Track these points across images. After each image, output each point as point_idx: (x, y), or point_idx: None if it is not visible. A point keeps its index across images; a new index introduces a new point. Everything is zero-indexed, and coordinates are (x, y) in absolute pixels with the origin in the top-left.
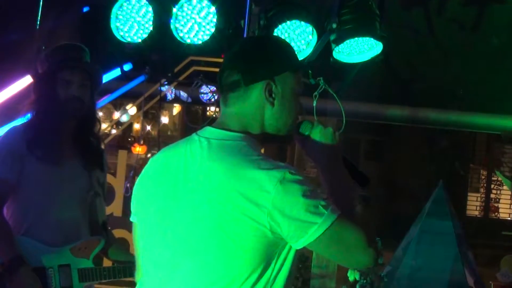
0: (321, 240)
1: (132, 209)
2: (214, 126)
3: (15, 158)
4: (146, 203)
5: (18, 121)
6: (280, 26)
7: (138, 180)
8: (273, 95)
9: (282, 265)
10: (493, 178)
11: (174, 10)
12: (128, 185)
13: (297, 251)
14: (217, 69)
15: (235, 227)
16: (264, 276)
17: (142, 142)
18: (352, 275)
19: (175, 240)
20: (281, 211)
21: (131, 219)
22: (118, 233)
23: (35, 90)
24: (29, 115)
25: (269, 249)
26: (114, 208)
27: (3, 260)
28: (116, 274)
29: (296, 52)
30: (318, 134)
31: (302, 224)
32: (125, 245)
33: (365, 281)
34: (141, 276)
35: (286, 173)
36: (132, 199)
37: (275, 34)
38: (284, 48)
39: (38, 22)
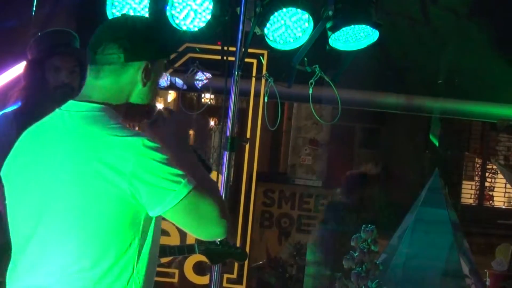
0: (177, 208)
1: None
2: (76, 99)
3: (5, 145)
4: (15, 180)
5: (10, 108)
6: (276, 13)
7: (7, 159)
8: (148, 76)
9: (147, 234)
10: (487, 167)
11: None
12: None
13: (157, 221)
14: (213, 56)
15: (98, 196)
16: (132, 243)
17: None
18: (347, 263)
19: (47, 214)
20: (140, 177)
21: None
22: None
23: (25, 77)
24: (19, 102)
25: (134, 217)
26: None
27: None
28: None
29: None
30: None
31: (160, 191)
32: None
33: (360, 268)
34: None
35: (144, 140)
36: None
37: (270, 21)
38: (164, 36)
39: (34, 9)
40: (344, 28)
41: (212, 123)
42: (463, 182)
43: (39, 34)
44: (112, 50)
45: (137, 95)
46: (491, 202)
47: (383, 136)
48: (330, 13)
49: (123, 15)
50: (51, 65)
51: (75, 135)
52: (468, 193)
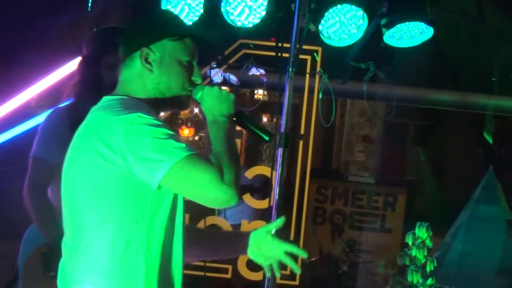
0: (169, 177)
1: None
2: (107, 95)
3: (58, 140)
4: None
5: (63, 103)
6: (330, 10)
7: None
8: (151, 62)
9: (157, 209)
10: None
11: None
12: None
13: (177, 200)
14: (267, 53)
15: (98, 172)
16: (140, 219)
17: (190, 124)
18: (401, 260)
19: (67, 194)
20: (131, 152)
21: None
22: None
23: (80, 73)
24: (72, 98)
25: (136, 191)
26: None
27: (48, 240)
28: None
29: (180, 21)
30: (205, 94)
31: (149, 163)
32: None
33: (414, 266)
34: None
35: (135, 117)
36: None
37: (325, 18)
38: (162, 18)
39: (90, 4)
40: (398, 25)
41: (264, 119)
42: None
43: (95, 30)
44: (121, 50)
45: (151, 82)
46: None
47: (436, 133)
48: (385, 9)
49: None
50: (106, 62)
51: (86, 121)
52: None
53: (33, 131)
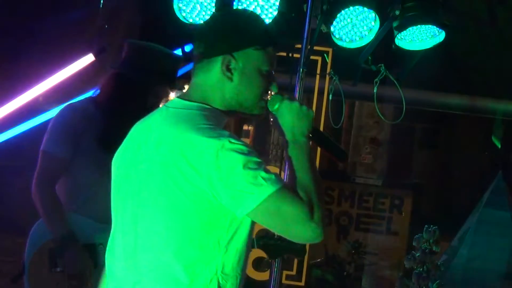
0: (258, 211)
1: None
2: (179, 97)
3: (70, 136)
4: (117, 170)
5: (75, 98)
6: (342, 12)
7: (118, 149)
8: (232, 71)
9: (235, 233)
10: None
11: None
12: None
13: (253, 225)
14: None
15: (178, 191)
16: (214, 241)
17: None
18: (408, 263)
19: (133, 204)
20: (219, 179)
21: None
22: None
23: (123, 87)
24: (89, 94)
25: (216, 214)
26: None
27: (55, 236)
28: None
29: (265, 29)
30: (285, 109)
31: (239, 194)
32: None
33: (421, 269)
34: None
35: (226, 142)
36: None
37: (337, 19)
38: (249, 25)
39: (102, 1)
40: (410, 28)
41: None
42: None
43: (135, 44)
44: (198, 48)
45: (230, 91)
46: None
47: (443, 136)
48: (397, 12)
49: (222, 11)
50: (156, 90)
51: (166, 130)
52: None
53: (42, 126)
